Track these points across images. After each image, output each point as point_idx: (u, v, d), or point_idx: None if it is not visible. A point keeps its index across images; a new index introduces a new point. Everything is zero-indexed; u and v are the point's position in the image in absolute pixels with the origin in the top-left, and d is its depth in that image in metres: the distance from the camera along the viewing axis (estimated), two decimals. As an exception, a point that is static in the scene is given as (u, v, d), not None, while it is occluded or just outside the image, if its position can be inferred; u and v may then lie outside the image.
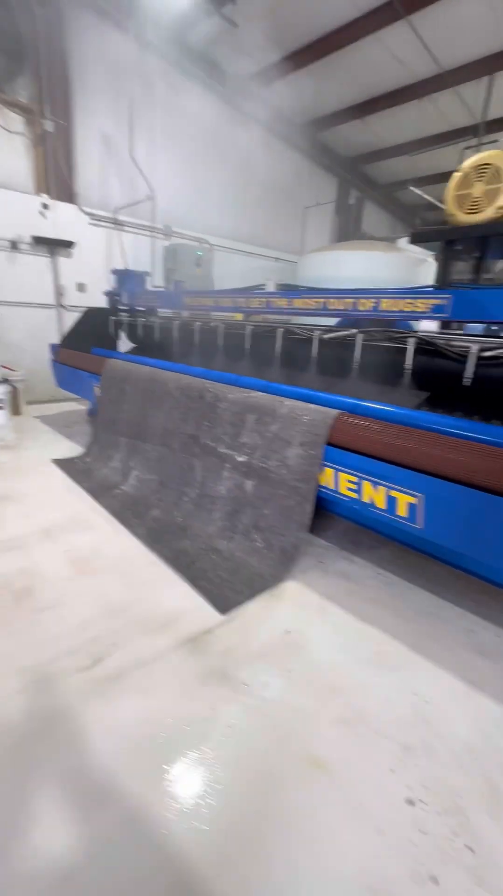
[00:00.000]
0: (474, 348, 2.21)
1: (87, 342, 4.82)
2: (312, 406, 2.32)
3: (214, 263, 7.44)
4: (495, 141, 7.08)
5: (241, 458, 2.57)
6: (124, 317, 5.02)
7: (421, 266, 7.13)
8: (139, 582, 2.22)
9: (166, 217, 6.98)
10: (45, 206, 5.64)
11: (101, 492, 3.21)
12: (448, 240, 2.30)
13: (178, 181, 7.04)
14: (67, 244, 5.87)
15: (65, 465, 3.71)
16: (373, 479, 1.99)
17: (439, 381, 2.50)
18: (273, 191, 8.72)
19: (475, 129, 7.17)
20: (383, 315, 2.68)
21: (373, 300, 2.70)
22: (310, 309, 3.05)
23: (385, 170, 10.08)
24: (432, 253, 7.04)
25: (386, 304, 2.64)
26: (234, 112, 7.47)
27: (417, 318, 2.51)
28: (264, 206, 8.65)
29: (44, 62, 5.34)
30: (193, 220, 7.42)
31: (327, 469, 2.18)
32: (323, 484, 2.22)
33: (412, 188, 9.41)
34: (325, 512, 2.63)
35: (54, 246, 5.80)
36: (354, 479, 2.07)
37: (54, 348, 4.88)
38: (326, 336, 2.89)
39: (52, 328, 6.01)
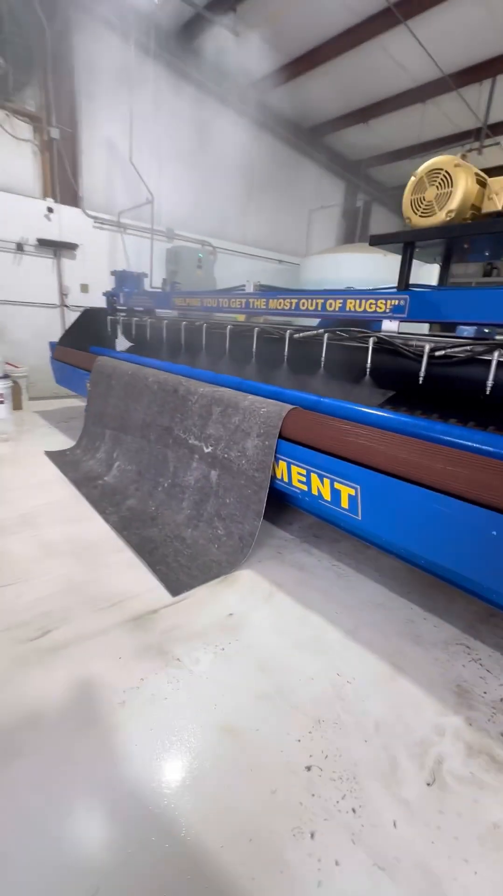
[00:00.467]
0: (427, 348, 2.28)
1: (86, 341, 5.01)
2: (269, 400, 2.42)
3: (217, 265, 7.58)
4: (498, 143, 7.06)
5: (207, 450, 2.67)
6: (121, 316, 5.19)
7: (421, 268, 7.13)
8: (101, 565, 2.35)
9: (170, 220, 7.16)
10: (51, 210, 5.87)
11: (84, 482, 3.36)
12: (404, 242, 2.36)
13: (182, 185, 7.21)
14: (71, 246, 6.10)
15: (55, 456, 3.88)
16: (320, 471, 2.07)
17: (399, 379, 2.56)
18: (278, 194, 8.83)
19: (479, 131, 7.16)
20: (350, 315, 2.76)
21: (339, 300, 2.79)
22: (284, 309, 3.15)
23: (392, 173, 10.08)
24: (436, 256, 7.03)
25: (351, 305, 2.72)
26: (238, 117, 7.61)
27: (379, 318, 2.58)
28: (269, 209, 8.76)
29: (51, 72, 5.58)
30: (197, 222, 7.58)
31: (282, 462, 2.27)
32: (279, 477, 2.31)
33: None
34: (289, 506, 2.72)
35: (59, 248, 6.03)
36: (303, 471, 2.15)
37: (53, 346, 5.08)
38: (296, 336, 2.98)
39: (55, 327, 6.23)
